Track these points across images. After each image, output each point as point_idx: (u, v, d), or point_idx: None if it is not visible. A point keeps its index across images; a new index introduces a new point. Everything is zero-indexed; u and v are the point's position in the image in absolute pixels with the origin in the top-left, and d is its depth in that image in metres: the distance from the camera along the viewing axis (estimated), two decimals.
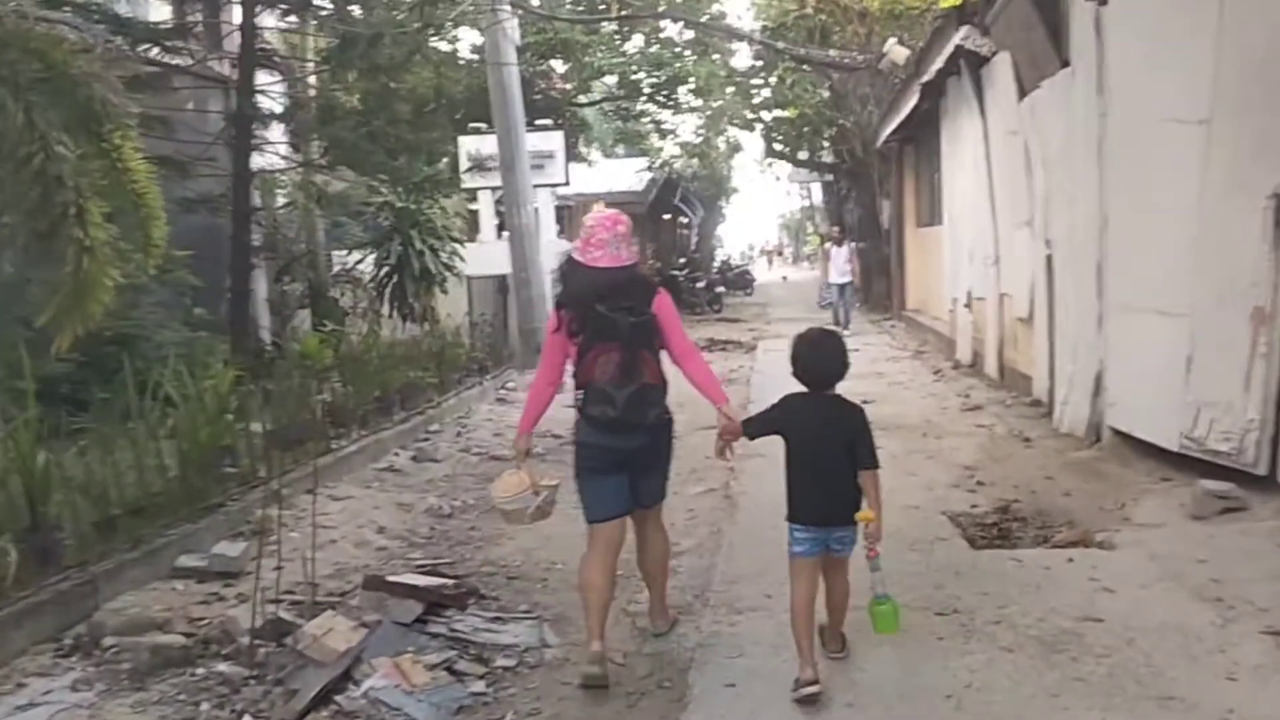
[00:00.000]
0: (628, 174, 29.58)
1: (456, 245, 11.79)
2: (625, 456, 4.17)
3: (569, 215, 21.59)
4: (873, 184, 24.29)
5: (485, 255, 15.19)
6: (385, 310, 11.67)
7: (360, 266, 11.86)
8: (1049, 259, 9.00)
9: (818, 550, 3.93)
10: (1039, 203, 9.29)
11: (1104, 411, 7.44)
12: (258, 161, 9.81)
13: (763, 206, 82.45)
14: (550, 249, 16.37)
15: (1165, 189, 6.54)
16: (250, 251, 8.91)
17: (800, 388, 4.03)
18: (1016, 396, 10.24)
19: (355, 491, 7.30)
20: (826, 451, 3.90)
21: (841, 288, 18.24)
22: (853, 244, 18.97)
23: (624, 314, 4.02)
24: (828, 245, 18.51)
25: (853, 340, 13.93)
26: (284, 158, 9.21)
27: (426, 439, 9.21)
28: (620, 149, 36.87)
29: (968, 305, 12.92)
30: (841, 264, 18.31)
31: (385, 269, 11.20)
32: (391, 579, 4.68)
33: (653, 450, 4.26)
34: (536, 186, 16.13)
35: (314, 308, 11.60)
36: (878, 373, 12.89)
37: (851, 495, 3.88)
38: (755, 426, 4.13)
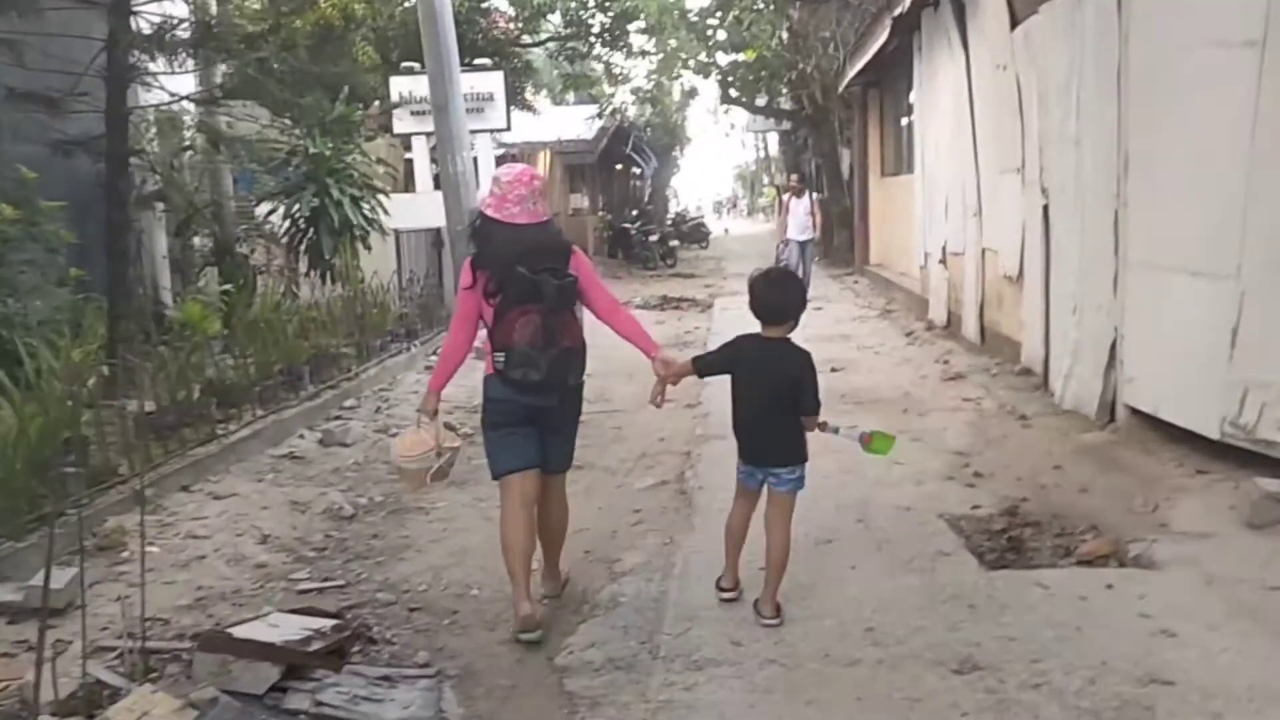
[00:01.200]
0: (577, 121, 28.21)
1: (380, 197, 10.50)
2: (536, 413, 4.10)
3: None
4: (834, 132, 23.19)
5: (418, 208, 13.88)
6: (303, 269, 10.39)
7: (274, 219, 10.54)
8: (1045, 209, 7.95)
9: (756, 481, 4.13)
10: (1033, 146, 8.23)
11: (1119, 387, 6.43)
12: (145, 98, 8.47)
13: (717, 158, 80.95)
14: None
15: (1205, 126, 5.48)
16: (129, 201, 7.59)
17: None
18: (1002, 364, 9.24)
19: (243, 486, 6.13)
20: (769, 393, 3.98)
21: (802, 245, 15.52)
22: (814, 195, 16.78)
23: (547, 275, 3.91)
24: (786, 196, 16.19)
25: (813, 303, 12.96)
26: (171, 92, 7.90)
27: (338, 418, 8.03)
28: (570, 97, 35.48)
29: (942, 261, 11.90)
30: (801, 218, 15.61)
31: (299, 222, 9.91)
32: (239, 634, 3.54)
33: (563, 411, 4.19)
34: (474, 132, 14.81)
35: (220, 266, 10.31)
36: (844, 335, 11.86)
37: (793, 436, 4.02)
38: (705, 364, 4.18)
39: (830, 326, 12.44)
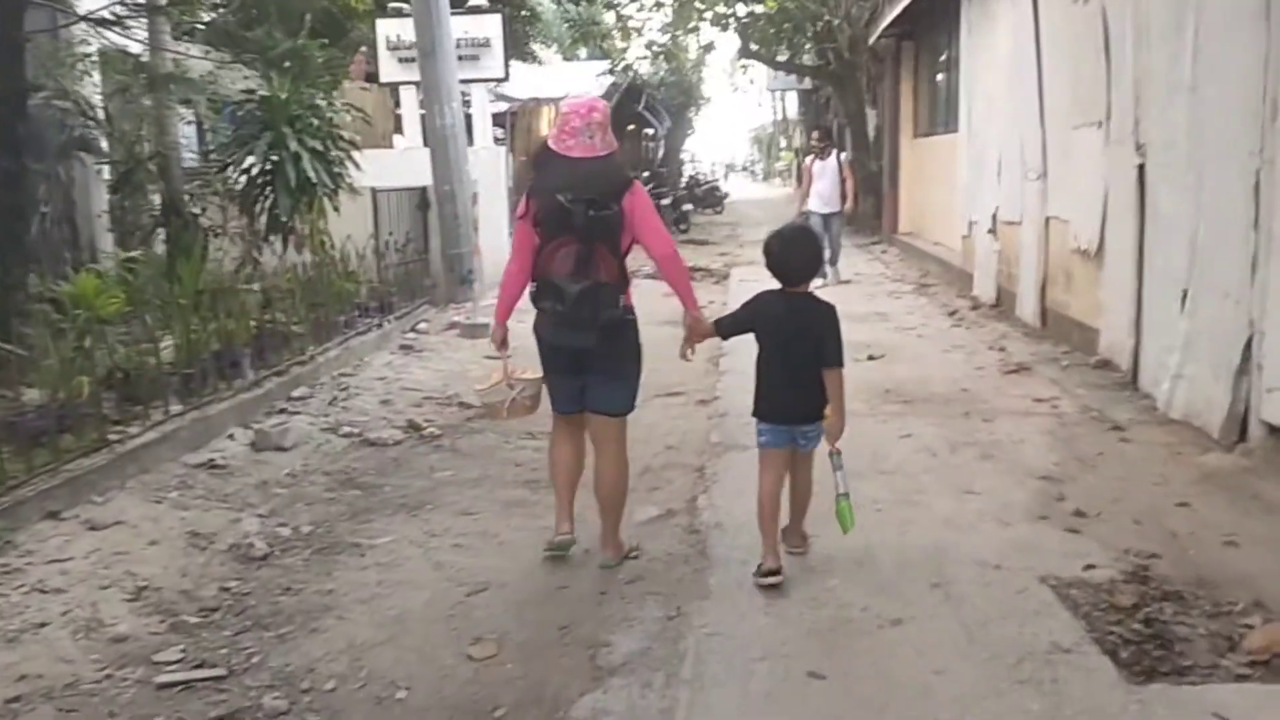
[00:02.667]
0: (586, 77, 26.63)
1: (349, 149, 9.08)
2: (575, 357, 4.02)
3: (514, 121, 18.75)
4: (860, 89, 21.62)
5: (403, 164, 12.50)
6: (262, 231, 9.01)
7: (231, 173, 9.14)
8: (1140, 170, 6.53)
9: (784, 442, 3.99)
10: (1124, 94, 6.79)
11: (1256, 399, 5.04)
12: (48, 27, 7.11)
13: (732, 119, 78.89)
14: (487, 159, 13.75)
15: None
16: (21, 150, 6.22)
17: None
18: (1071, 353, 7.86)
19: (134, 510, 4.80)
20: (795, 349, 3.93)
21: (826, 219, 12.57)
22: (843, 157, 13.66)
23: (583, 206, 3.82)
24: (808, 159, 13.39)
25: (845, 293, 11.57)
26: (84, 18, 6.56)
27: (282, 412, 6.69)
28: (582, 52, 33.94)
29: (992, 231, 10.47)
30: (828, 185, 12.81)
31: (257, 177, 8.53)
32: None
33: (606, 353, 4.00)
34: (467, 82, 13.41)
35: (166, 228, 8.94)
36: (879, 313, 10.46)
37: (818, 393, 3.92)
38: (728, 325, 4.15)
39: (862, 303, 11.03)
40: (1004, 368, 7.65)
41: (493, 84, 14.78)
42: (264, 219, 8.77)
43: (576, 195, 3.81)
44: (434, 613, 3.83)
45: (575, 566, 4.24)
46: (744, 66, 31.59)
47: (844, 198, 12.96)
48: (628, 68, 27.48)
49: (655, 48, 25.74)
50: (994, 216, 10.39)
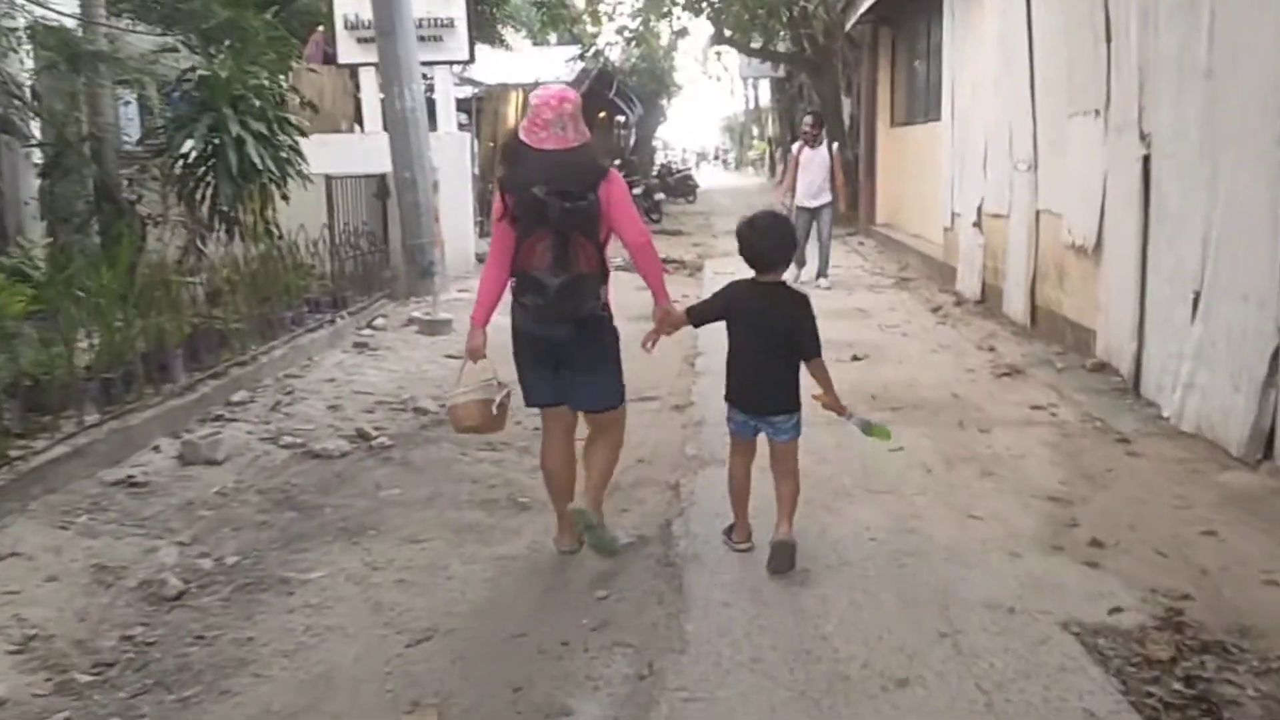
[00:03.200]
0: (557, 63, 26.04)
1: (296, 134, 8.48)
2: (554, 349, 3.93)
3: (480, 107, 18.13)
4: (836, 77, 21.16)
5: (363, 150, 11.90)
6: (205, 220, 8.40)
7: (169, 158, 8.52)
8: (1145, 161, 6.08)
9: (751, 431, 4.03)
10: (1127, 80, 6.34)
11: None
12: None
13: (704, 108, 78.16)
14: (450, 145, 13.18)
15: None
16: None
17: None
18: (1064, 354, 7.43)
19: (35, 538, 4.25)
20: (765, 339, 3.90)
21: (814, 212, 11.60)
22: (834, 147, 12.56)
23: (558, 198, 3.73)
24: (796, 146, 12.17)
25: (829, 293, 11.10)
26: None
27: (217, 420, 6.13)
28: (552, 38, 33.32)
29: (977, 224, 10.03)
30: (816, 176, 11.64)
31: (196, 163, 7.92)
32: None
33: (584, 344, 3.92)
34: (430, 64, 12.83)
35: (100, 216, 8.33)
36: (860, 310, 9.99)
37: (788, 384, 3.92)
38: (699, 312, 4.13)
39: (841, 298, 10.58)
40: (995, 370, 7.21)
41: (457, 67, 14.21)
42: (206, 207, 8.18)
43: (551, 188, 3.74)
44: (367, 669, 3.31)
45: (525, 604, 3.74)
46: (717, 53, 31.11)
47: (833, 189, 11.80)
48: (599, 53, 26.91)
49: (627, 33, 25.12)
50: (979, 209, 9.95)
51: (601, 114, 32.70)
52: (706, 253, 15.79)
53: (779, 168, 40.95)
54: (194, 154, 7.86)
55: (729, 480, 4.12)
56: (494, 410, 4.09)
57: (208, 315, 6.85)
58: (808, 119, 12.50)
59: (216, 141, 7.89)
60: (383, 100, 11.56)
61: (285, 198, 8.72)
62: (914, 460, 5.23)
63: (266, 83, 8.45)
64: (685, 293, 11.14)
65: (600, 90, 27.53)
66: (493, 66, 23.41)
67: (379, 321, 9.35)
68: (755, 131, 55.73)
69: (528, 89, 23.65)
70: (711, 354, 7.14)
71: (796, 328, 3.87)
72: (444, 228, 11.81)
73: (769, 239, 3.92)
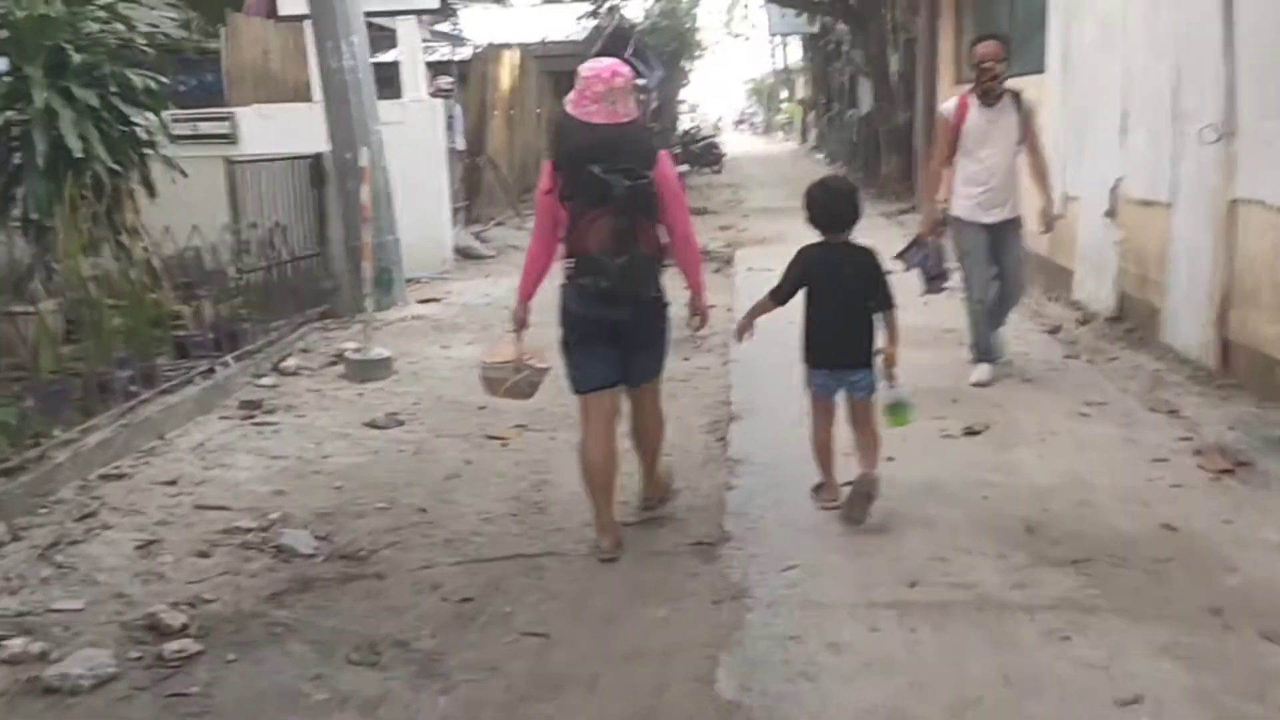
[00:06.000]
0: (565, 21, 23.40)
1: (160, 104, 5.92)
2: (613, 328, 3.86)
3: (467, 72, 15.42)
4: (883, 28, 18.37)
5: (308, 123, 9.29)
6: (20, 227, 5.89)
7: None
8: None
9: (833, 388, 4.14)
10: None
11: None
12: None
13: (727, 70, 74.79)
14: (419, 115, 10.59)
15: None
16: None
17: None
18: None
19: None
20: (842, 297, 4.06)
21: (996, 233, 6.02)
22: (1022, 100, 6.04)
23: (619, 176, 3.67)
24: (952, 106, 6.11)
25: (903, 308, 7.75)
26: None
27: None
28: None
29: (1110, 213, 7.35)
30: (1000, 163, 5.96)
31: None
32: None
33: (642, 326, 3.91)
34: (386, 14, 10.28)
35: None
36: (949, 330, 7.30)
37: (864, 338, 4.06)
38: (783, 293, 4.15)
39: (914, 306, 7.87)
40: (1203, 461, 4.58)
41: (425, 18, 11.61)
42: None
43: (610, 165, 3.66)
44: None
45: None
46: (745, 5, 28.22)
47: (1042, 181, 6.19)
48: (614, 9, 24.23)
49: None
50: (1114, 191, 7.28)
51: None
52: (736, 239, 13.14)
53: (811, 132, 37.96)
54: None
55: (813, 442, 4.24)
56: (520, 386, 4.10)
57: None
58: (984, 46, 5.97)
59: (25, 118, 5.35)
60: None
61: (151, 194, 6.19)
62: None
63: (122, 27, 5.87)
64: (713, 301, 8.32)
65: (616, 50, 24.70)
66: (488, 23, 20.75)
67: (290, 362, 6.79)
68: (784, 94, 52.65)
69: (535, 50, 21.08)
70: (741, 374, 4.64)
71: (870, 280, 4.03)
72: (407, 217, 9.30)
73: (845, 201, 4.10)
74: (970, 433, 5.12)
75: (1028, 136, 6.03)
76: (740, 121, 71.55)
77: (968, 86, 6.21)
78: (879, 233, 13.08)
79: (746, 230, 14.24)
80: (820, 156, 31.72)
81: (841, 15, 19.69)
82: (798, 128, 42.37)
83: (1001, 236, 6.04)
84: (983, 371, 6.07)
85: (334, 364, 6.94)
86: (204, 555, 4.07)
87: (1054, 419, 5.33)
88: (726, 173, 26.84)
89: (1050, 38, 8.62)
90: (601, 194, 3.68)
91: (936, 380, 6.02)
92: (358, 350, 6.84)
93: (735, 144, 42.14)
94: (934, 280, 6.10)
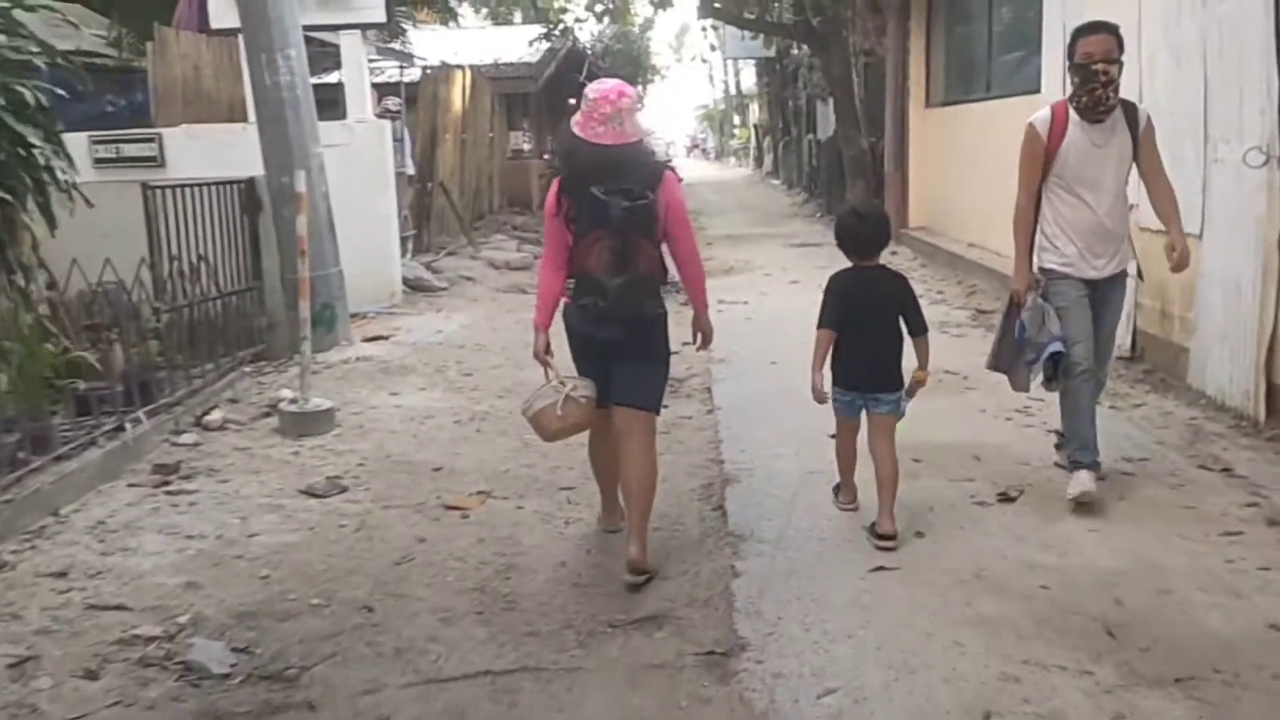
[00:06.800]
0: (518, 42, 22.72)
1: (49, 123, 5.10)
2: (606, 347, 3.93)
3: (416, 94, 14.62)
4: (846, 50, 17.86)
5: (243, 144, 8.44)
6: None
7: None
8: None
9: (858, 408, 4.20)
10: None
11: None
12: None
13: (678, 95, 74.47)
14: (366, 137, 9.81)
15: None
16: None
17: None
18: None
19: None
20: (876, 322, 4.10)
21: (1100, 291, 4.50)
22: (1140, 115, 4.53)
23: (619, 197, 3.69)
24: (1043, 119, 4.44)
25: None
26: None
27: None
28: (517, 16, 30.01)
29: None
30: (1106, 198, 4.42)
31: None
32: None
33: (633, 342, 3.89)
34: (328, 27, 9.53)
35: None
36: (953, 373, 6.67)
37: (895, 362, 4.13)
38: (828, 319, 4.16)
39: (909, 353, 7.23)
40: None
41: (371, 34, 10.85)
42: None
43: (611, 186, 3.68)
44: None
45: None
46: (703, 28, 27.75)
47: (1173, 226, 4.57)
48: (567, 31, 23.60)
49: (600, 6, 21.71)
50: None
51: (571, 100, 29.37)
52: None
53: (766, 158, 37.48)
54: None
55: (837, 456, 4.36)
56: (573, 399, 3.91)
57: None
58: (1092, 41, 4.31)
59: None
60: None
61: (53, 223, 5.36)
62: None
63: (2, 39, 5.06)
64: (688, 366, 7.41)
65: (569, 74, 24.19)
66: (439, 44, 20.04)
67: (215, 415, 5.95)
68: (736, 120, 52.40)
69: (487, 71, 20.33)
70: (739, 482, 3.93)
71: (905, 304, 4.10)
72: (352, 248, 8.52)
73: (877, 227, 4.17)
74: (1005, 499, 4.44)
75: (1147, 160, 4.49)
76: (693, 147, 71.36)
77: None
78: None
79: (711, 259, 13.57)
80: (776, 182, 31.30)
81: (803, 37, 19.16)
82: (752, 153, 41.98)
83: (1107, 294, 4.51)
84: (1084, 482, 4.29)
85: (267, 415, 6.13)
86: (92, 676, 3.26)
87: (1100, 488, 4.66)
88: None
89: (1047, 55, 8.05)
90: (600, 215, 3.70)
91: (954, 433, 5.36)
92: (294, 401, 6.03)
93: (689, 169, 41.61)
94: (1040, 362, 4.41)
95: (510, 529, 4.42)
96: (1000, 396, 6.13)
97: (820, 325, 4.15)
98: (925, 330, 4.11)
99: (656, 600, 3.68)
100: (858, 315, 4.09)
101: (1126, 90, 6.72)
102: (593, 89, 3.85)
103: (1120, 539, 3.99)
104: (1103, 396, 6.03)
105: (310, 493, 4.87)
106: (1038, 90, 8.32)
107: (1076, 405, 4.41)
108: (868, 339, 4.09)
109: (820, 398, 4.18)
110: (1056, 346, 4.32)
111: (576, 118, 3.84)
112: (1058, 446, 4.82)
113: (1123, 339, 6.76)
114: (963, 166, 11.53)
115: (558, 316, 3.99)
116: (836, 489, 4.42)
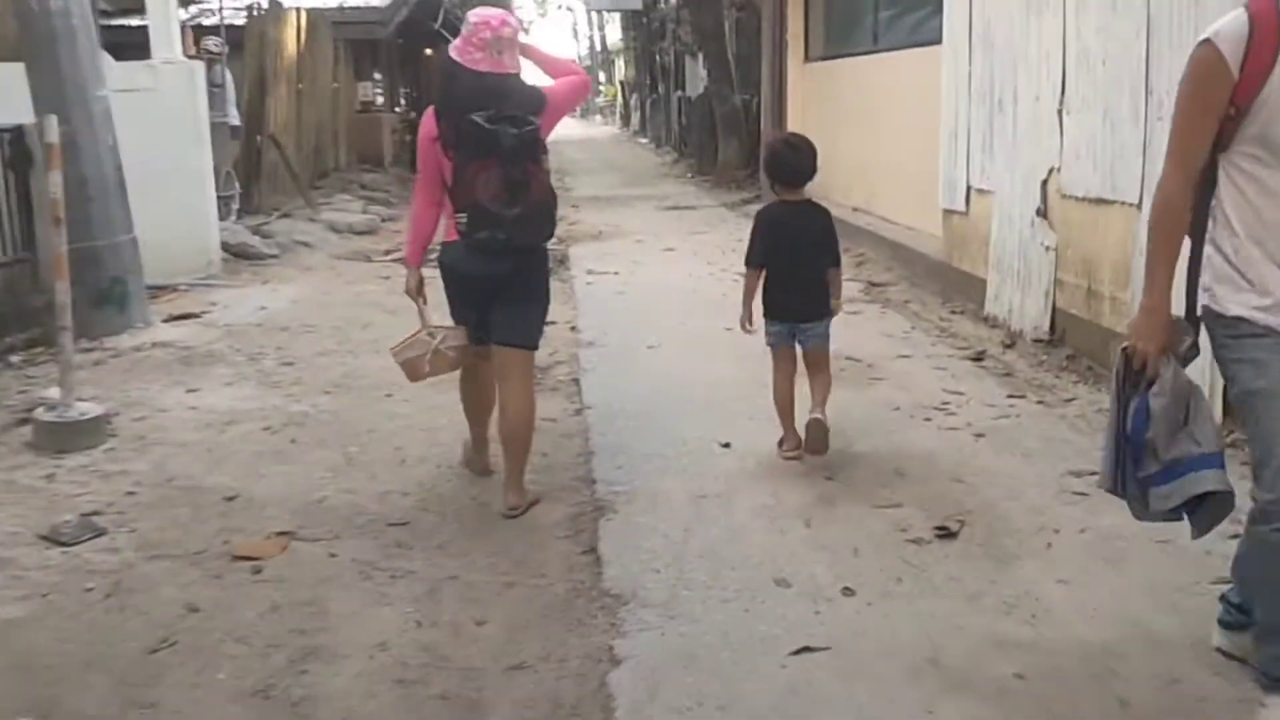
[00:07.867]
0: None
1: None
2: (490, 284, 3.80)
3: (242, 38, 12.99)
4: (719, 4, 16.99)
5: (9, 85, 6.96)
6: None
7: None
8: None
9: (790, 337, 4.29)
10: None
11: None
12: None
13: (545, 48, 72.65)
14: (173, 80, 8.41)
15: None
16: None
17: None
18: None
19: None
20: (803, 254, 4.22)
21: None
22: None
23: (506, 125, 3.58)
24: (1232, 31, 2.36)
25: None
26: None
27: None
28: None
29: (1042, 212, 6.04)
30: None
31: None
32: None
33: (520, 276, 3.81)
34: None
35: None
36: (857, 361, 5.83)
37: (820, 291, 4.26)
38: (756, 256, 4.29)
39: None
40: None
41: None
42: None
43: (494, 114, 3.56)
44: None
45: None
46: None
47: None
48: None
49: None
50: (1044, 185, 5.96)
51: (427, 50, 27.76)
52: (568, 234, 11.43)
53: (634, 116, 36.30)
54: None
55: (774, 394, 4.34)
56: (442, 351, 3.90)
57: None
58: None
59: None
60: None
61: None
62: None
63: None
64: (552, 317, 6.55)
65: (422, 21, 22.61)
66: None
67: None
68: (602, 76, 51.17)
69: (331, 16, 18.70)
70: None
71: (828, 237, 4.24)
72: (156, 209, 7.24)
73: (809, 156, 4.19)
74: (944, 533, 3.58)
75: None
76: None
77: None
78: (724, 226, 11.75)
79: (578, 224, 12.60)
80: (645, 141, 30.39)
81: None
82: (619, 111, 40.91)
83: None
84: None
85: (23, 423, 4.87)
86: None
87: (1043, 500, 3.86)
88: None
89: (950, 3, 7.23)
90: (487, 145, 3.59)
91: (868, 440, 4.52)
92: (54, 407, 4.78)
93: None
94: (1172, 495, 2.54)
95: (315, 589, 3.35)
96: (913, 390, 5.35)
97: (749, 263, 4.30)
98: (839, 263, 4.32)
99: (510, 708, 2.68)
100: (788, 248, 4.20)
101: (1048, 46, 6.01)
102: (475, 14, 3.76)
103: (1097, 593, 3.16)
104: (1024, 389, 5.34)
105: (54, 539, 3.69)
106: (939, 41, 7.52)
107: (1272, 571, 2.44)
108: (796, 270, 4.21)
109: (749, 331, 4.35)
110: (1206, 481, 2.43)
111: (456, 42, 3.80)
112: (1227, 625, 2.74)
113: (1038, 319, 6.06)
114: (847, 125, 10.75)
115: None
116: (780, 442, 4.36)
